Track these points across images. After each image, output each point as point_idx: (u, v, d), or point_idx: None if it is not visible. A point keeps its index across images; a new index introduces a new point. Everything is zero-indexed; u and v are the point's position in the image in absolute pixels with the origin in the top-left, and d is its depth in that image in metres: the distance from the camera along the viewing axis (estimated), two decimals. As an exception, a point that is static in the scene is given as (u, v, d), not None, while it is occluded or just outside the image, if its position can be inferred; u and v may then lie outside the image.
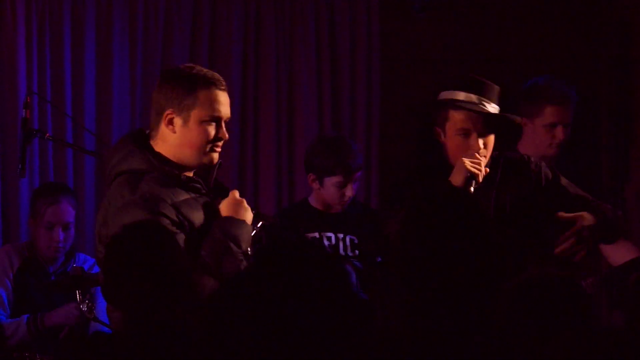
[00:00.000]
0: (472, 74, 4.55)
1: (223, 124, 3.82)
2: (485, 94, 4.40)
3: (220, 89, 3.83)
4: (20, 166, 4.64)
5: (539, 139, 5.10)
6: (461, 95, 4.39)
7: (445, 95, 4.44)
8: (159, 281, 3.30)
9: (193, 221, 3.78)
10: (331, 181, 4.99)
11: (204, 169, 3.90)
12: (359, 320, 2.62)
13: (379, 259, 4.97)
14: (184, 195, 3.78)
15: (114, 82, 5.68)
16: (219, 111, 3.80)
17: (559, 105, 5.08)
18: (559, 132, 5.05)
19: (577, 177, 4.78)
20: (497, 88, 4.42)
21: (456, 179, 4.23)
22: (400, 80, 6.01)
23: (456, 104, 4.35)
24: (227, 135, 3.85)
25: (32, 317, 4.98)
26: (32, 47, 5.60)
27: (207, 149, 3.83)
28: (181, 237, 3.71)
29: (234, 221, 3.83)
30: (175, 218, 3.77)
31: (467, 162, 4.25)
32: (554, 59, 6.04)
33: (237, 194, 3.86)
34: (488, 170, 4.34)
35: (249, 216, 3.85)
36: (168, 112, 3.77)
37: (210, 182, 3.94)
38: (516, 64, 5.98)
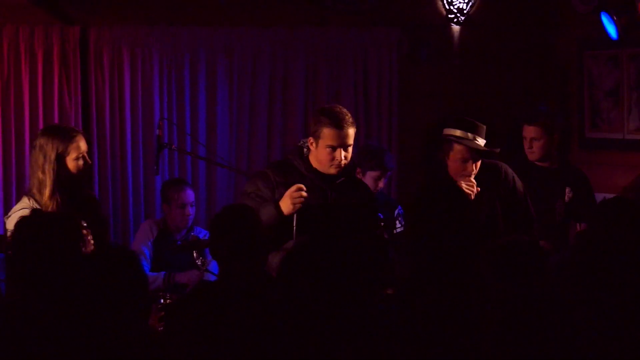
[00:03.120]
0: (466, 116, 4.88)
1: (339, 150, 4.46)
2: (475, 131, 4.78)
3: (339, 128, 4.44)
4: (155, 167, 5.33)
5: (525, 146, 5.60)
6: (459, 133, 4.77)
7: (448, 131, 4.83)
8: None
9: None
10: (371, 174, 5.48)
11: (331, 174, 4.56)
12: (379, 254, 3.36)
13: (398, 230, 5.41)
14: (298, 180, 4.46)
15: (218, 110, 6.41)
16: (335, 143, 4.47)
17: (528, 124, 5.57)
18: (529, 143, 5.54)
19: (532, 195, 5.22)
20: (484, 127, 4.83)
21: None
22: (413, 107, 6.68)
23: (460, 141, 4.74)
24: (341, 158, 4.46)
25: (167, 274, 5.49)
26: (163, 87, 6.30)
27: (329, 165, 4.53)
28: (257, 202, 4.32)
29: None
30: (261, 192, 4.42)
31: (464, 184, 4.68)
32: (515, 94, 6.68)
33: (294, 188, 4.41)
34: (479, 189, 4.69)
35: (284, 204, 4.35)
36: (311, 136, 4.55)
37: (336, 180, 4.52)
38: (492, 97, 6.60)
